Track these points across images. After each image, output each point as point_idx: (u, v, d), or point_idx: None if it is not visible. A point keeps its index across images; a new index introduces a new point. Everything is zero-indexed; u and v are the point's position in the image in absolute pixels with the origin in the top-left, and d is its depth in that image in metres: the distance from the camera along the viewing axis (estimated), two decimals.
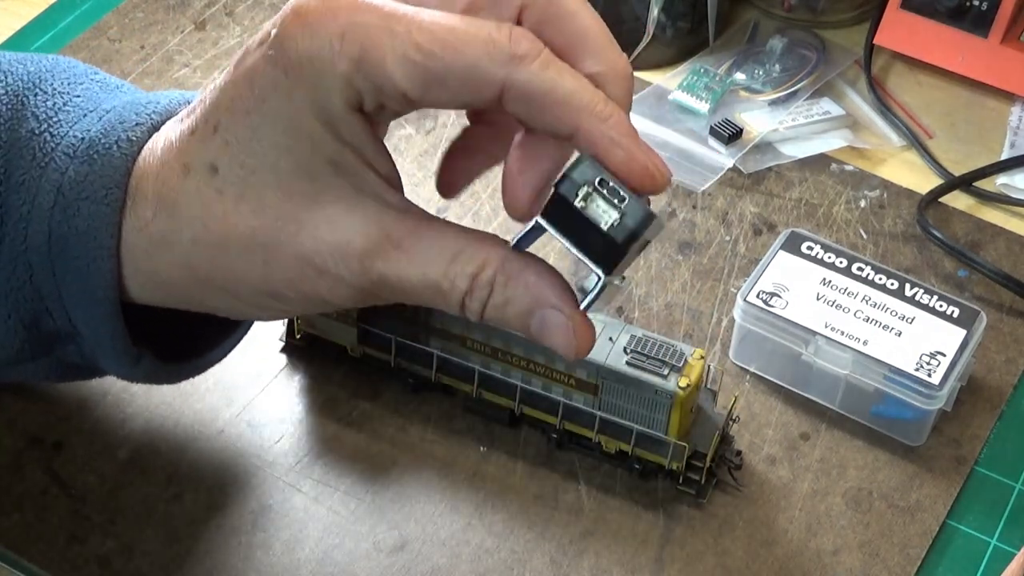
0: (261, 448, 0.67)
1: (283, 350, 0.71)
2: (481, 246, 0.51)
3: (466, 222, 0.77)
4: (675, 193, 0.79)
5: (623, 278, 0.51)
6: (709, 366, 0.67)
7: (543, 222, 0.49)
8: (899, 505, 0.67)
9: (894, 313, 0.69)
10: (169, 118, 0.55)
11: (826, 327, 0.68)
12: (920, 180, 0.81)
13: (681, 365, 0.63)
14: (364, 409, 0.69)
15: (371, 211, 0.51)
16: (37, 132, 0.55)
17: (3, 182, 0.54)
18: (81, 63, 0.59)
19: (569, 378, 0.65)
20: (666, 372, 0.63)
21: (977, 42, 0.84)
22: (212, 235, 0.52)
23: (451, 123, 0.82)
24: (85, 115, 0.56)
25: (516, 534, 0.65)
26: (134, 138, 0.54)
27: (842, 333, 0.68)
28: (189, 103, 0.56)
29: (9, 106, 0.55)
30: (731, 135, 0.81)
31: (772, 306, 0.69)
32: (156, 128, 0.55)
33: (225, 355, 0.62)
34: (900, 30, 0.86)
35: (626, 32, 0.86)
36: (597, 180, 0.48)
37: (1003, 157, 0.83)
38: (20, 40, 0.87)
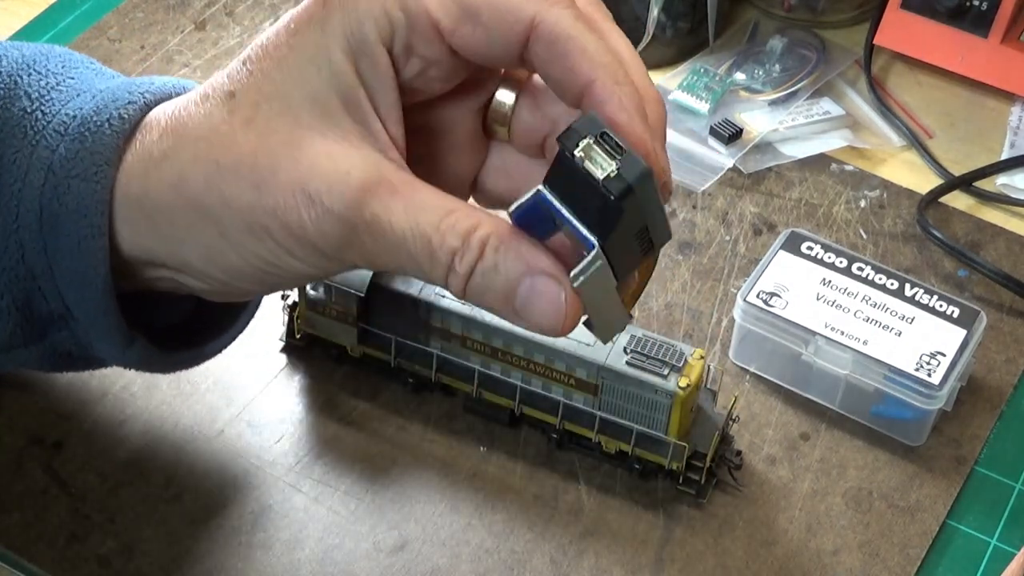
0: (261, 448, 0.67)
1: (283, 350, 0.71)
2: (475, 210, 0.51)
3: None
4: (675, 193, 0.79)
5: (632, 316, 0.50)
6: (709, 366, 0.67)
7: (544, 189, 0.48)
8: (899, 505, 0.67)
9: (894, 313, 0.69)
10: (163, 99, 0.55)
11: (826, 327, 0.69)
12: (920, 180, 0.81)
13: (681, 365, 0.63)
14: (364, 409, 0.69)
15: (373, 155, 0.51)
16: (29, 111, 0.55)
17: None
18: (77, 53, 0.59)
19: (569, 378, 0.65)
20: (666, 372, 0.63)
21: (977, 42, 0.84)
22: (212, 153, 0.52)
23: None
24: (78, 95, 0.55)
25: (516, 534, 0.65)
26: (126, 116, 0.54)
27: (842, 333, 0.68)
28: (185, 88, 0.56)
29: (2, 85, 0.55)
30: (731, 135, 0.81)
31: (772, 306, 0.69)
32: (149, 107, 0.54)
33: (223, 348, 0.62)
34: (900, 30, 0.86)
35: (626, 32, 0.85)
36: (599, 133, 0.47)
37: (1003, 157, 0.83)
38: (20, 40, 0.87)
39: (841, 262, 0.71)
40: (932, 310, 0.69)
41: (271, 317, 0.71)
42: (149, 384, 0.69)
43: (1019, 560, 0.64)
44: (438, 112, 0.54)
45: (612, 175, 0.46)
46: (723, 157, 0.81)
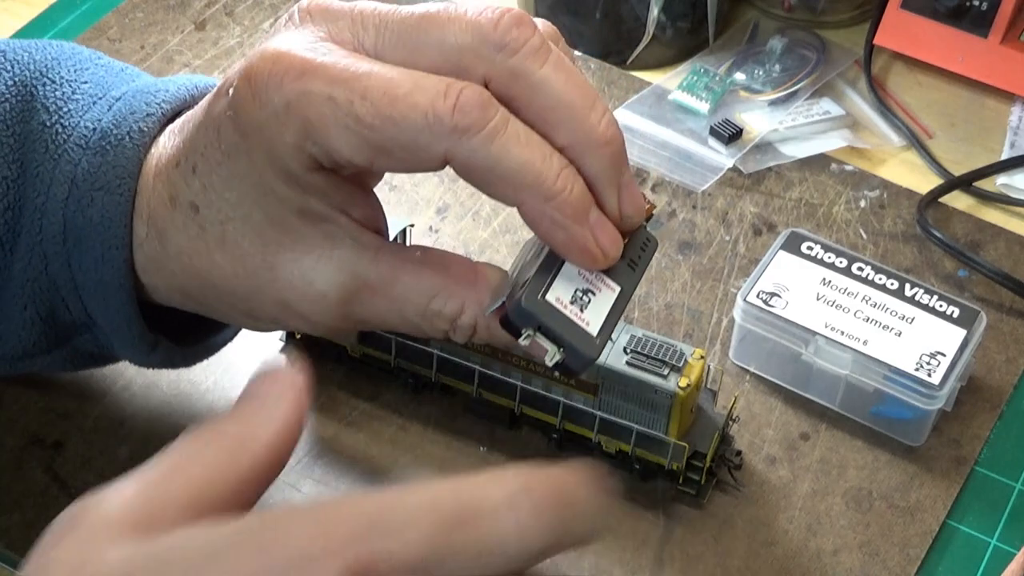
0: None
1: (283, 350, 0.71)
2: (458, 287, 0.52)
3: (466, 222, 0.77)
4: (675, 193, 0.79)
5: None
6: (709, 366, 0.67)
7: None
8: (899, 505, 0.67)
9: (894, 313, 0.69)
10: (181, 107, 0.56)
11: (826, 327, 0.68)
12: (920, 180, 0.81)
13: (681, 365, 0.63)
14: (364, 409, 0.69)
15: (345, 259, 0.52)
16: (48, 124, 0.55)
17: (20, 175, 0.54)
18: (85, 48, 0.60)
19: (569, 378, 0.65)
20: (666, 372, 0.63)
21: (977, 42, 0.84)
22: (197, 269, 0.54)
23: None
24: (95, 103, 0.56)
25: None
26: (145, 128, 0.54)
27: (842, 333, 0.68)
28: (198, 88, 0.56)
29: (19, 98, 0.55)
30: (731, 135, 0.81)
31: (772, 306, 0.69)
32: (167, 117, 0.55)
33: (237, 333, 0.63)
34: (900, 30, 0.86)
35: (626, 32, 0.86)
36: (536, 326, 0.50)
37: (1003, 157, 0.83)
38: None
39: (841, 262, 0.71)
40: (932, 310, 0.69)
41: None
42: (149, 384, 0.69)
43: (1019, 560, 0.64)
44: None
45: (559, 362, 0.51)
46: (723, 157, 0.81)
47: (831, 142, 0.83)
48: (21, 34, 0.87)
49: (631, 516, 0.65)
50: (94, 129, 0.55)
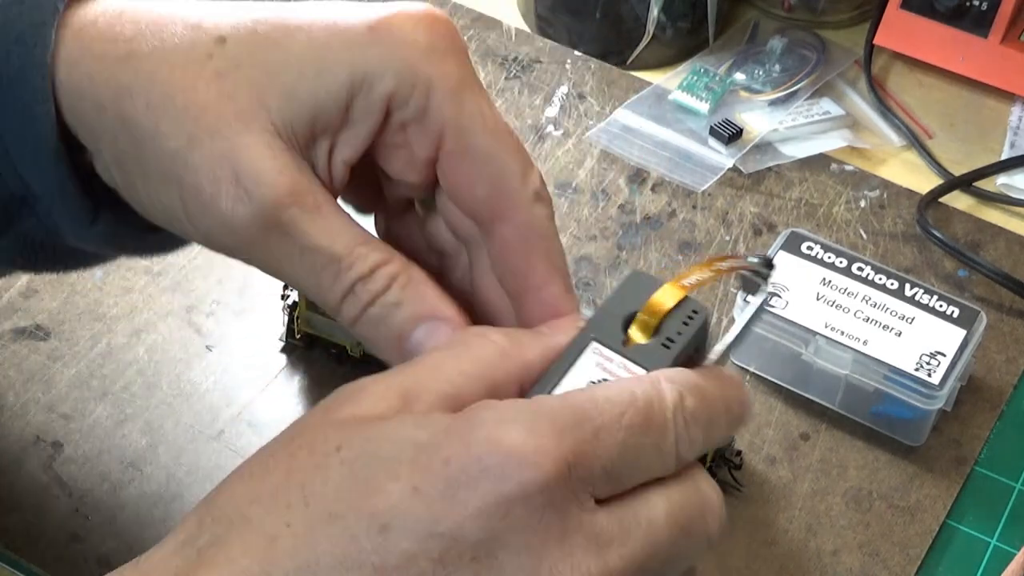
0: None
1: (283, 350, 0.71)
2: (392, 250, 0.49)
3: None
4: (675, 193, 0.79)
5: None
6: None
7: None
8: (899, 505, 0.67)
9: (894, 313, 0.69)
10: None
11: (826, 327, 0.68)
12: (920, 180, 0.81)
13: None
14: None
15: (309, 175, 0.49)
16: None
17: None
18: None
19: None
20: None
21: (977, 42, 0.84)
22: (171, 83, 0.50)
23: None
24: None
25: None
26: None
27: (842, 333, 0.68)
28: None
29: None
30: (731, 135, 0.81)
31: (772, 306, 0.69)
32: None
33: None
34: (900, 30, 0.86)
35: (626, 32, 0.86)
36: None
37: (1003, 157, 0.83)
38: None
39: (841, 262, 0.71)
40: (932, 310, 0.69)
41: (271, 317, 0.71)
42: (149, 384, 0.69)
43: (1019, 560, 0.64)
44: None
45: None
46: (723, 157, 0.81)
47: (831, 142, 0.83)
48: None
49: None
50: None
